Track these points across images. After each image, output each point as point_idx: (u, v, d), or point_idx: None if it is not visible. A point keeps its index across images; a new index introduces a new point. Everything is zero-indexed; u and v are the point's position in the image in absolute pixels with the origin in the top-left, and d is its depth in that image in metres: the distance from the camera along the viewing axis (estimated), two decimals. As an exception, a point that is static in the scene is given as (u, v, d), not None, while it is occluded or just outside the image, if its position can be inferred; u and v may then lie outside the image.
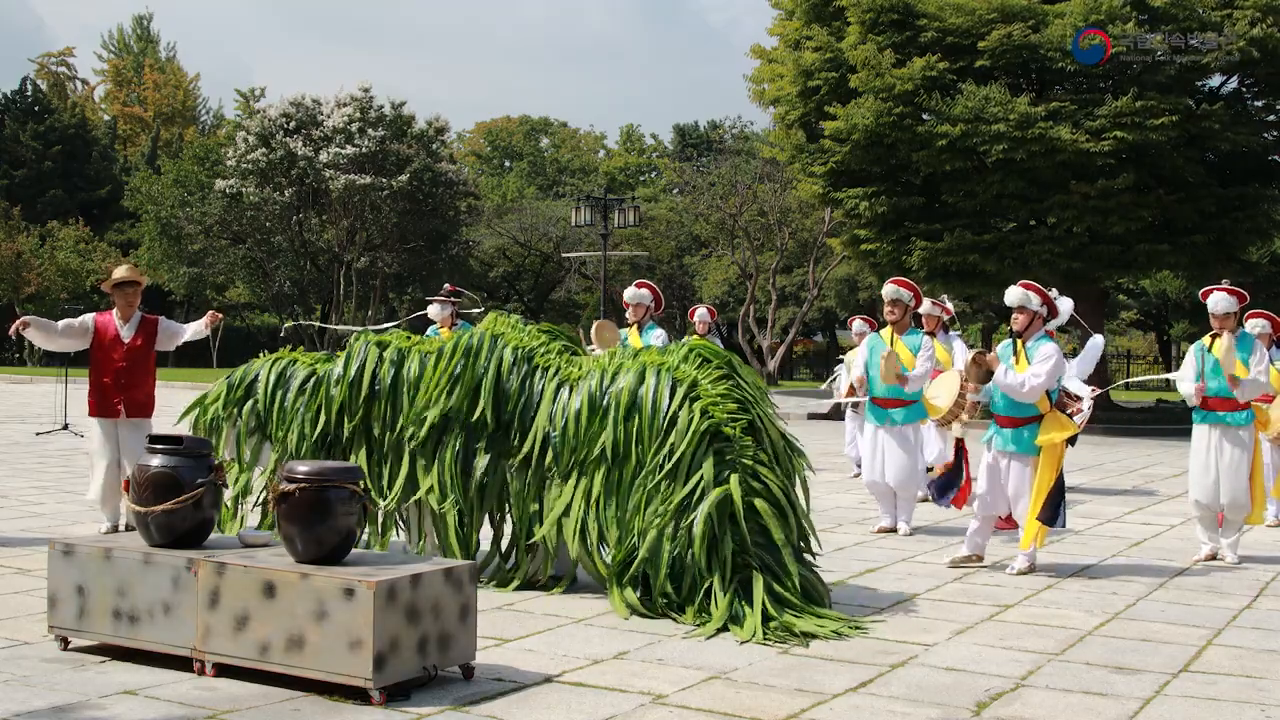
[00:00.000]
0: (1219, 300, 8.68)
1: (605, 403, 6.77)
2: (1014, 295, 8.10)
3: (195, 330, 9.13)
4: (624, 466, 6.63)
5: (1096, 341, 10.69)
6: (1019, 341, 8.07)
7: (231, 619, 5.08)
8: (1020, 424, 7.98)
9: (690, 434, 6.48)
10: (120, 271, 9.15)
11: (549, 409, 6.91)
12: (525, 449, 6.91)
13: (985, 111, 22.60)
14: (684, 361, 6.88)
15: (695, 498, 6.39)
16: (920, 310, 10.30)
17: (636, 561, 6.50)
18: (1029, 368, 7.88)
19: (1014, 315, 8.12)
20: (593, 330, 11.10)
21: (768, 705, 4.99)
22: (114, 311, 9.08)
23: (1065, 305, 8.48)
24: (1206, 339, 8.79)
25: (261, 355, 7.83)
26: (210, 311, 9.22)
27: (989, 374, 8.04)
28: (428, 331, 12.71)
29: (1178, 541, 9.65)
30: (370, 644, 4.78)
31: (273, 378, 7.51)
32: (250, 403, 7.49)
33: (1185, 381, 8.78)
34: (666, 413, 6.61)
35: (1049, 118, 22.57)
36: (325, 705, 4.84)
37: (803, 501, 6.78)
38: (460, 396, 7.02)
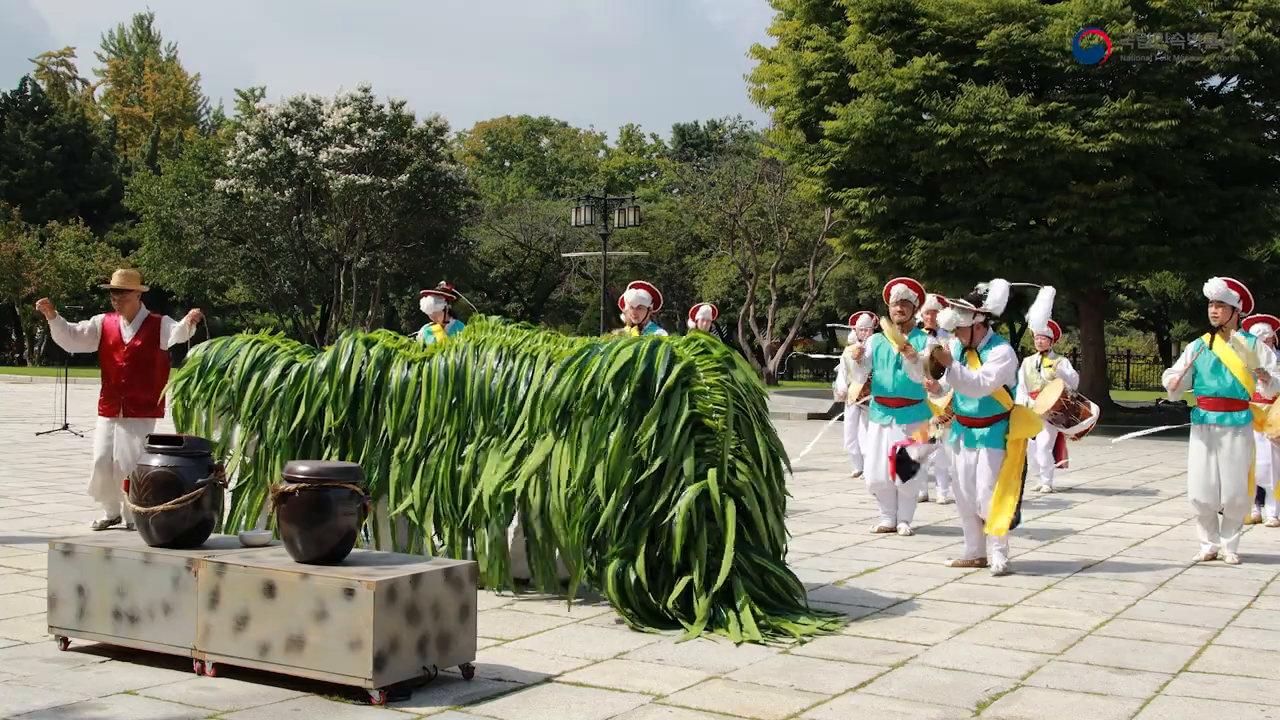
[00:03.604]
0: (1213, 284, 8.69)
1: (593, 364, 6.61)
2: (944, 319, 8.22)
3: (180, 331, 9.13)
4: (618, 420, 6.46)
5: (1047, 291, 10.62)
6: (969, 351, 8.19)
7: (231, 619, 5.08)
8: (989, 423, 8.07)
9: (679, 423, 6.37)
10: (114, 279, 9.28)
11: (537, 384, 6.78)
12: (517, 428, 6.78)
13: (984, 112, 22.61)
14: (684, 346, 6.76)
15: (676, 492, 6.33)
16: (923, 310, 10.31)
17: (612, 558, 6.42)
18: (983, 366, 7.98)
19: (955, 334, 8.23)
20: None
21: (768, 705, 4.99)
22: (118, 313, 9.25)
23: (997, 291, 8.33)
24: (1206, 337, 8.80)
25: (245, 333, 7.83)
26: (192, 310, 9.23)
27: (940, 368, 8.07)
28: (421, 330, 12.70)
29: (1178, 541, 9.65)
30: (370, 644, 4.78)
31: (250, 359, 7.45)
32: (220, 382, 7.44)
33: (1172, 373, 8.80)
34: (662, 381, 6.45)
35: (1047, 118, 22.58)
36: (325, 705, 4.84)
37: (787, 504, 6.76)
38: (453, 419, 7.01)
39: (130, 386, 9.03)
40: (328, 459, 7.17)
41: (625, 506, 6.35)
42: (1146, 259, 24.73)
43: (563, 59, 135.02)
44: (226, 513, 7.45)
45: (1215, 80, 25.47)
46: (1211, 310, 8.69)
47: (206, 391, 7.48)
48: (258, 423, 7.34)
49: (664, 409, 6.43)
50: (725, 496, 6.31)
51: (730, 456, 6.42)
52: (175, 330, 9.18)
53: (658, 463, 6.34)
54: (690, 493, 6.28)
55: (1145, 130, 22.07)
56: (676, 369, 6.53)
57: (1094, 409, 11.69)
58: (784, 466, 6.79)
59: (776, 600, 6.40)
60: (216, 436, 7.49)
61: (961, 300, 8.25)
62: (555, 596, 6.87)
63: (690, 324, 13.32)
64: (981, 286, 8.34)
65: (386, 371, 7.26)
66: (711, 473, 6.33)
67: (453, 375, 7.06)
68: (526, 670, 5.42)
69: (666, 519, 6.31)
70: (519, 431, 6.80)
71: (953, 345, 8.31)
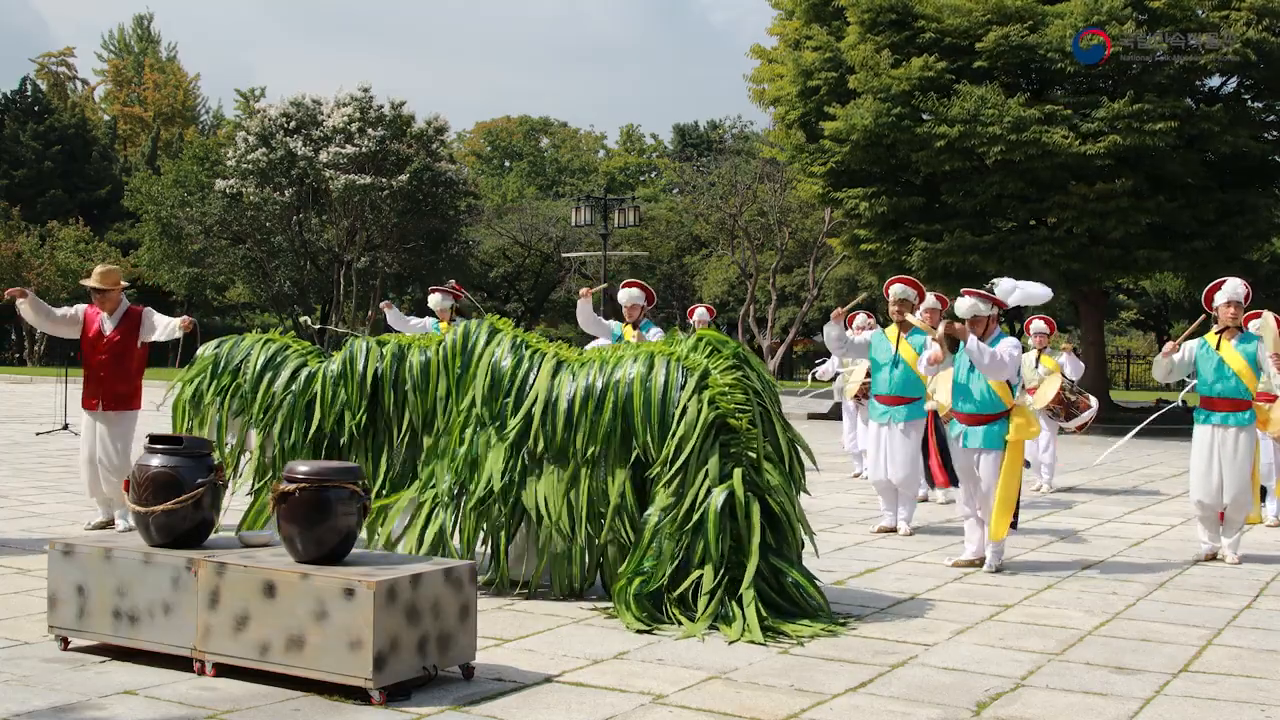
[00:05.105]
0: (1234, 287, 8.69)
1: (608, 389, 6.64)
2: (964, 307, 8.22)
3: (166, 330, 9.09)
4: (634, 463, 6.57)
5: (1042, 287, 10.73)
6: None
7: (231, 619, 5.08)
8: (989, 420, 8.07)
9: (699, 426, 6.40)
10: (94, 277, 9.23)
11: (547, 384, 6.80)
12: (514, 424, 6.78)
13: (981, 113, 22.62)
14: (693, 351, 6.76)
15: (701, 494, 6.36)
16: (921, 308, 10.34)
17: (634, 558, 6.46)
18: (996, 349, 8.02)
19: (969, 324, 8.21)
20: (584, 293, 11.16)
21: (767, 705, 4.99)
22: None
23: (1005, 284, 8.49)
24: (1211, 337, 8.79)
25: (254, 333, 7.79)
26: (185, 317, 9.17)
27: (956, 344, 8.09)
28: (429, 324, 12.72)
29: (1178, 541, 9.65)
30: (370, 644, 4.78)
31: (261, 360, 7.39)
32: (235, 384, 7.38)
33: (1173, 360, 8.81)
34: (678, 404, 6.50)
35: (1044, 120, 22.57)
36: (325, 705, 4.84)
37: (800, 502, 6.75)
38: (463, 388, 6.99)
39: (109, 380, 9.04)
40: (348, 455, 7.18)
41: (652, 520, 6.41)
42: (1147, 261, 24.74)
43: (563, 59, 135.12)
44: (243, 513, 7.48)
45: (1215, 81, 25.47)
46: (1232, 312, 8.67)
47: (221, 394, 7.43)
48: (268, 426, 7.30)
49: (679, 420, 6.48)
50: (750, 497, 6.32)
51: (753, 454, 6.43)
52: (162, 327, 9.12)
53: (675, 484, 6.39)
54: (717, 495, 6.29)
55: (1144, 131, 22.07)
56: (690, 382, 6.55)
57: (1093, 401, 11.68)
58: (807, 462, 6.82)
59: (790, 604, 6.38)
60: (231, 440, 7.45)
61: (981, 291, 8.31)
62: (557, 596, 6.87)
63: (690, 324, 13.36)
64: (994, 282, 8.49)
65: (401, 365, 7.23)
66: (737, 473, 6.34)
67: (461, 349, 7.07)
68: (526, 670, 5.42)
69: (690, 524, 6.32)
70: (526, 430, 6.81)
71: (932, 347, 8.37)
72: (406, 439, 7.15)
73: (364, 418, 7.17)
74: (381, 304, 13.06)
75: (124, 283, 9.32)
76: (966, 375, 8.18)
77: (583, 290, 11.27)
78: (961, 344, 8.03)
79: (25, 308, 9.11)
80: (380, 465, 7.18)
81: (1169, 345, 8.74)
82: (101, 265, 9.48)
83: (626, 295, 11.25)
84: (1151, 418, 9.29)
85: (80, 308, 9.34)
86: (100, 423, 9.03)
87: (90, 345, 9.12)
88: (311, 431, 7.18)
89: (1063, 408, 11.85)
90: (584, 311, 11.25)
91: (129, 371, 9.15)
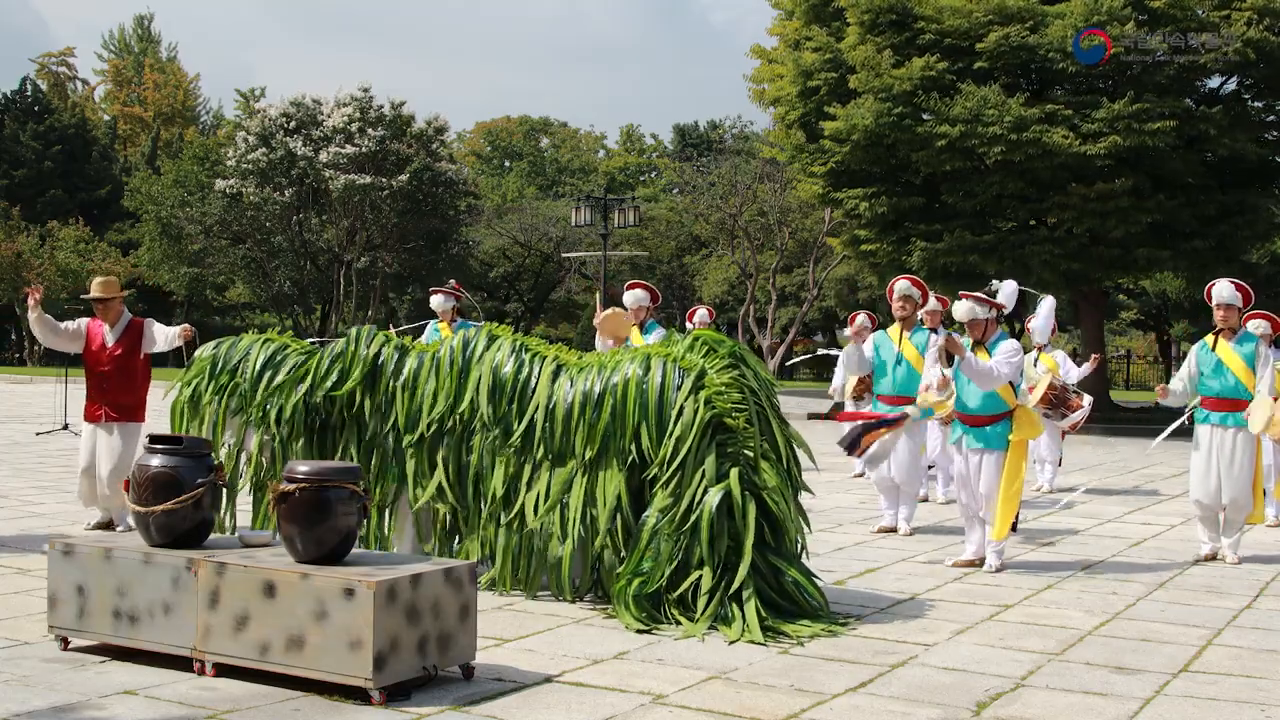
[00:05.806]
0: (1223, 289, 8.72)
1: (606, 392, 6.64)
2: (962, 310, 8.19)
3: (167, 340, 9.14)
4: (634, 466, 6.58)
5: (1047, 303, 10.79)
6: (979, 346, 8.17)
7: (231, 619, 5.08)
8: (991, 421, 8.05)
9: (696, 426, 6.40)
10: (94, 288, 9.31)
11: (547, 390, 6.81)
12: (518, 431, 6.80)
13: (982, 113, 22.63)
14: (689, 351, 6.76)
15: (699, 495, 6.36)
16: (924, 308, 10.34)
17: (633, 559, 6.46)
18: (994, 357, 7.98)
19: (967, 327, 8.19)
20: (598, 320, 10.89)
21: (767, 705, 4.99)
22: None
23: (1008, 289, 8.52)
24: (1209, 338, 8.80)
25: (251, 333, 7.79)
26: (184, 325, 9.18)
27: (952, 358, 8.07)
28: (428, 326, 12.71)
29: (1178, 542, 9.65)
30: (370, 644, 4.78)
31: (261, 358, 7.37)
32: (233, 383, 7.35)
33: (1178, 380, 8.89)
34: (675, 404, 6.50)
35: (1044, 120, 22.58)
36: (325, 705, 4.84)
37: (800, 500, 6.74)
38: (461, 392, 6.99)
39: (111, 391, 9.06)
40: (342, 450, 7.17)
41: (650, 521, 6.40)
42: (1147, 261, 24.75)
43: (563, 59, 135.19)
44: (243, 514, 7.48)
45: (1214, 81, 25.49)
46: (1222, 314, 8.69)
47: (219, 393, 7.42)
48: (268, 417, 7.28)
49: (675, 421, 6.47)
50: (747, 496, 6.31)
51: (750, 453, 6.42)
52: (162, 339, 9.17)
53: (673, 484, 6.38)
54: (712, 496, 6.28)
55: (1144, 131, 22.08)
56: (687, 383, 6.54)
57: (1086, 400, 11.68)
58: (805, 460, 6.80)
59: (789, 602, 6.38)
60: (229, 439, 7.44)
61: (980, 294, 8.29)
62: (556, 596, 6.87)
63: (689, 326, 13.33)
64: (994, 284, 8.45)
65: (402, 362, 7.23)
66: (734, 473, 6.34)
67: (459, 356, 7.06)
68: (526, 670, 5.42)
69: (688, 525, 6.32)
70: (532, 442, 6.81)
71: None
72: (390, 436, 7.15)
73: (357, 405, 7.15)
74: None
75: (123, 291, 9.36)
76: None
77: (596, 321, 11.14)
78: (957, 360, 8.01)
79: (34, 318, 9.15)
80: (373, 459, 7.19)
81: (1160, 389, 8.91)
82: (100, 277, 9.53)
83: (632, 298, 11.17)
84: (1186, 414, 9.32)
85: (83, 322, 9.36)
86: (103, 433, 9.03)
87: (94, 358, 9.16)
88: (299, 400, 7.14)
89: (1053, 408, 11.84)
90: (600, 347, 11.09)
91: (133, 384, 9.17)
